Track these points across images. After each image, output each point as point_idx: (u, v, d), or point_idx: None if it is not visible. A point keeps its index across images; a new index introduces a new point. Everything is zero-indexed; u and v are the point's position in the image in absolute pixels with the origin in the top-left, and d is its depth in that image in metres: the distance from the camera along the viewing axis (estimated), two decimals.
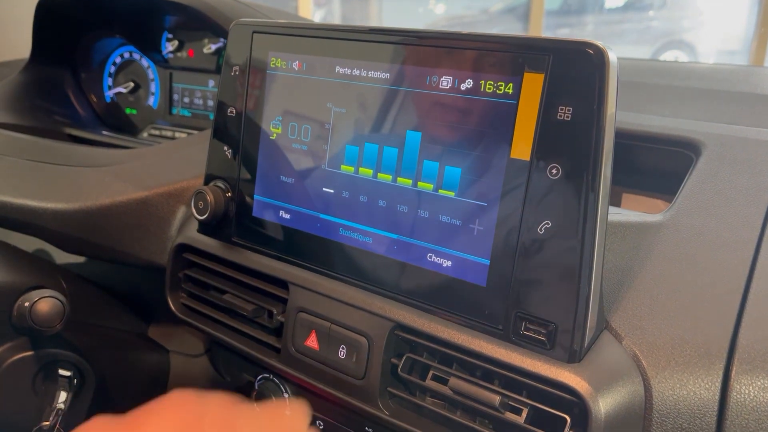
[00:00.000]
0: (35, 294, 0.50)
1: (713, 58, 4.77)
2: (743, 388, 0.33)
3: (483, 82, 0.36)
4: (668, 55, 4.84)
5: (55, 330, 0.50)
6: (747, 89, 0.62)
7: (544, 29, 3.76)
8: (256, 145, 0.47)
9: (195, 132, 0.81)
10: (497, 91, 0.36)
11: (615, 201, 0.60)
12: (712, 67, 0.80)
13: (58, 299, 0.50)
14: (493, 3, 5.10)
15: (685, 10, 5.00)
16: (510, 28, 4.89)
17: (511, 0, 5.04)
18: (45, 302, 0.50)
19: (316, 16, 4.73)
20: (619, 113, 0.57)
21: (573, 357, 0.34)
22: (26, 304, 0.50)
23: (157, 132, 0.86)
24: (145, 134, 0.88)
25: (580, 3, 5.04)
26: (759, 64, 3.22)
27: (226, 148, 0.49)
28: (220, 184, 0.49)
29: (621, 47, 4.85)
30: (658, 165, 0.55)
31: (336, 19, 4.97)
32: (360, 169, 0.42)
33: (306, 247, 0.45)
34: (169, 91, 0.86)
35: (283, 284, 0.46)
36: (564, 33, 4.95)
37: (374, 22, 5.07)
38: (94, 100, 0.91)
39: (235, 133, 0.48)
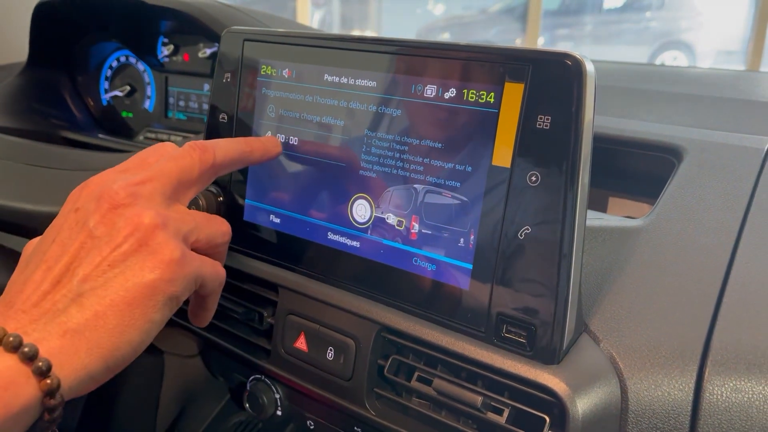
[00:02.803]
0: None
1: (711, 58, 4.78)
2: (716, 389, 0.34)
3: (466, 91, 0.37)
4: (666, 56, 4.85)
5: None
6: (733, 95, 0.63)
7: (542, 30, 3.77)
8: None
9: (191, 135, 0.82)
10: (479, 100, 0.37)
11: (601, 205, 0.61)
12: (700, 72, 0.81)
13: None
14: (492, 3, 5.11)
15: (683, 11, 5.02)
16: (508, 29, 4.90)
17: (510, 0, 5.05)
18: None
19: (315, 17, 4.74)
20: (605, 118, 0.58)
21: (552, 359, 0.35)
22: None
23: (152, 135, 0.87)
24: (141, 137, 0.89)
25: (579, 3, 5.06)
26: (755, 64, 3.23)
27: None
28: (212, 188, 0.50)
29: (619, 48, 4.86)
30: (642, 170, 0.56)
31: (335, 20, 4.97)
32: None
33: (295, 250, 0.46)
34: (165, 94, 0.87)
35: (272, 287, 0.47)
36: (562, 33, 4.96)
37: (373, 23, 5.07)
38: (91, 103, 0.91)
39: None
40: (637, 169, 0.57)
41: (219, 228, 0.39)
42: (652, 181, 0.56)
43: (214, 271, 0.37)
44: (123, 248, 0.32)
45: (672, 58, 4.74)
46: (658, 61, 4.68)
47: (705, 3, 4.81)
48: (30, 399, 0.28)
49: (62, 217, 0.35)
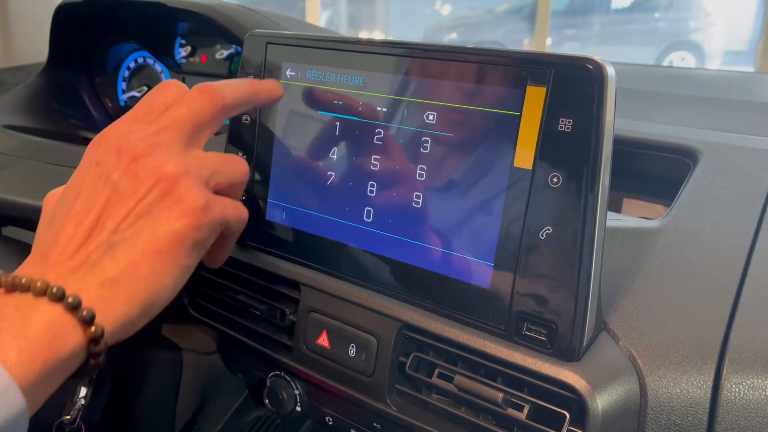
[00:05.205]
0: None
1: (720, 58, 4.76)
2: (733, 386, 0.34)
3: (487, 94, 0.38)
4: (675, 56, 4.83)
5: None
6: (745, 97, 0.63)
7: (549, 30, 3.77)
8: (270, 151, 0.49)
9: None
10: (501, 103, 0.38)
11: (616, 205, 0.62)
12: (712, 74, 0.81)
13: None
14: (499, 3, 5.10)
15: (691, 11, 5.00)
16: (515, 29, 4.90)
17: (517, 0, 5.05)
18: None
19: (323, 17, 4.75)
20: (620, 121, 0.59)
21: (572, 356, 0.36)
22: None
23: None
24: None
25: (587, 3, 5.05)
26: (765, 65, 3.21)
27: (240, 154, 0.51)
28: None
29: (627, 48, 4.85)
30: (657, 171, 0.57)
31: (342, 20, 4.99)
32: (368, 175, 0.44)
33: (317, 249, 0.47)
34: None
35: (294, 285, 0.48)
36: (569, 34, 4.95)
37: (380, 23, 5.08)
38: (109, 104, 0.93)
39: (250, 140, 0.50)
40: (651, 171, 0.57)
41: (238, 168, 0.39)
42: (665, 182, 0.56)
43: (237, 213, 0.38)
44: (148, 199, 0.33)
45: (680, 59, 4.72)
46: (666, 62, 4.67)
47: (713, 3, 4.79)
48: (76, 346, 0.30)
49: (83, 171, 0.35)
